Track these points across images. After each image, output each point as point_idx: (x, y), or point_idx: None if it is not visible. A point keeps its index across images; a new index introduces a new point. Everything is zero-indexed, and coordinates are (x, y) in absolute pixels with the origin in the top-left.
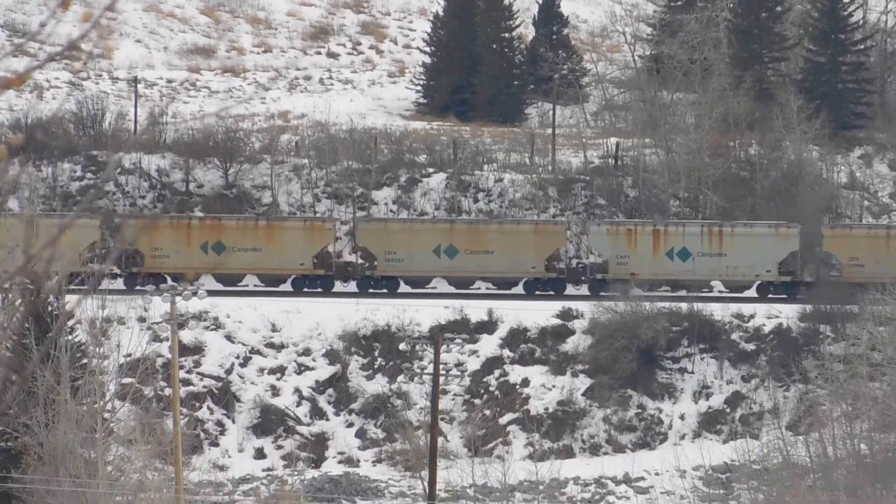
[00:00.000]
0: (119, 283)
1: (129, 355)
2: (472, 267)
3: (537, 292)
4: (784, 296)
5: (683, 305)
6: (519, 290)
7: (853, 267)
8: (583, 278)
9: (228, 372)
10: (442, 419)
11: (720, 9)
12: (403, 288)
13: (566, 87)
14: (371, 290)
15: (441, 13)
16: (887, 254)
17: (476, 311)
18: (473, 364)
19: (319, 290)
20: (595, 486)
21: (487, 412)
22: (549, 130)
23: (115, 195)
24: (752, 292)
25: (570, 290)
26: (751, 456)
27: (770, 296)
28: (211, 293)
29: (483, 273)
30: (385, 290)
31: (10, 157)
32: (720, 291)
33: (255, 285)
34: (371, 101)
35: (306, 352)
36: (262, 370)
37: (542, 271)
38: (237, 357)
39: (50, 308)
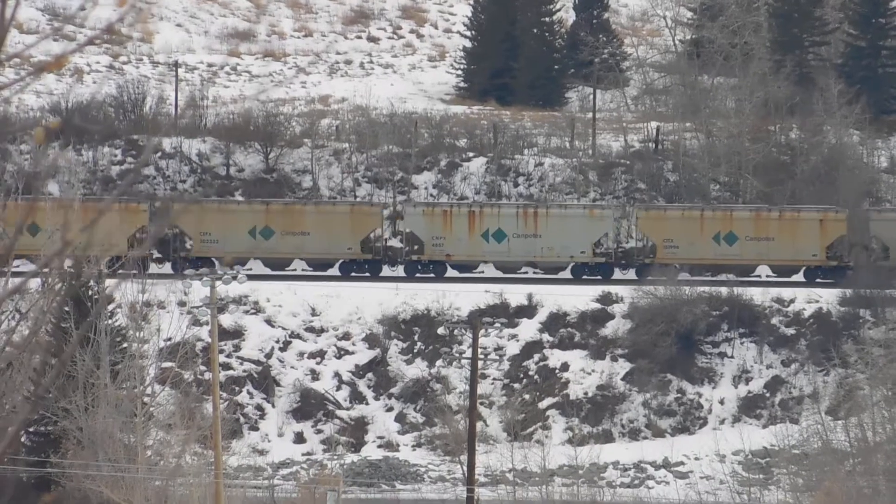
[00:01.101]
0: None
1: (169, 339)
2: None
3: (353, 273)
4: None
5: (724, 290)
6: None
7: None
8: (399, 260)
9: (268, 356)
10: (481, 403)
11: None
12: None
13: (606, 72)
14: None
15: None
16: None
17: (516, 295)
18: (513, 348)
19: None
20: (634, 470)
21: (527, 396)
22: (590, 115)
23: (155, 179)
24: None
25: (385, 271)
26: (790, 441)
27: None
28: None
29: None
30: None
31: (47, 141)
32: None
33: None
34: (411, 85)
35: (346, 336)
36: (301, 354)
37: (359, 252)
38: (277, 341)
39: (90, 292)
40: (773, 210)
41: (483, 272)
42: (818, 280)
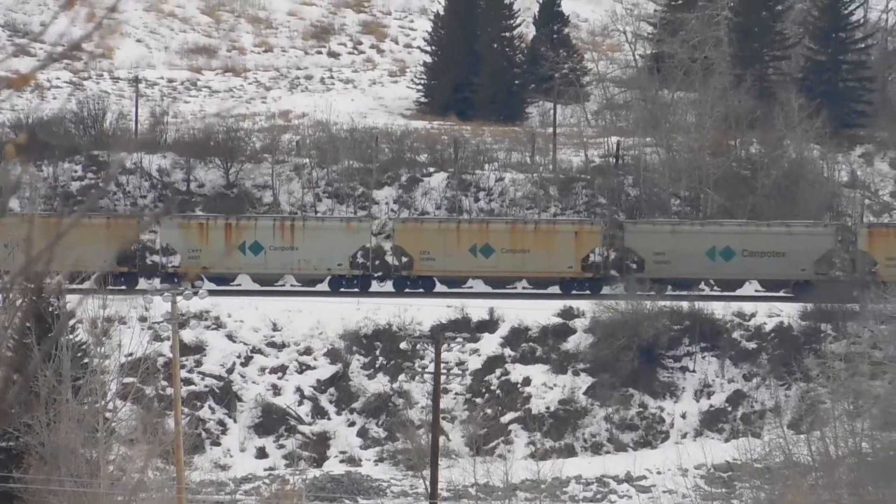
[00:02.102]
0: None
1: (131, 355)
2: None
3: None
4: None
5: (685, 304)
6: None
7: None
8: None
9: (230, 371)
10: (443, 418)
11: (721, 7)
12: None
13: (567, 86)
14: (408, 290)
15: (442, 12)
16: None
17: (477, 309)
18: (475, 363)
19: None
20: (597, 484)
21: (489, 411)
22: (550, 129)
23: (115, 195)
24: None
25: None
26: (752, 454)
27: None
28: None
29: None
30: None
31: (17, 157)
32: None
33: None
34: (372, 100)
35: (308, 351)
36: (263, 369)
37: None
38: (238, 356)
39: (51, 308)
40: (529, 223)
41: (241, 284)
42: (573, 292)
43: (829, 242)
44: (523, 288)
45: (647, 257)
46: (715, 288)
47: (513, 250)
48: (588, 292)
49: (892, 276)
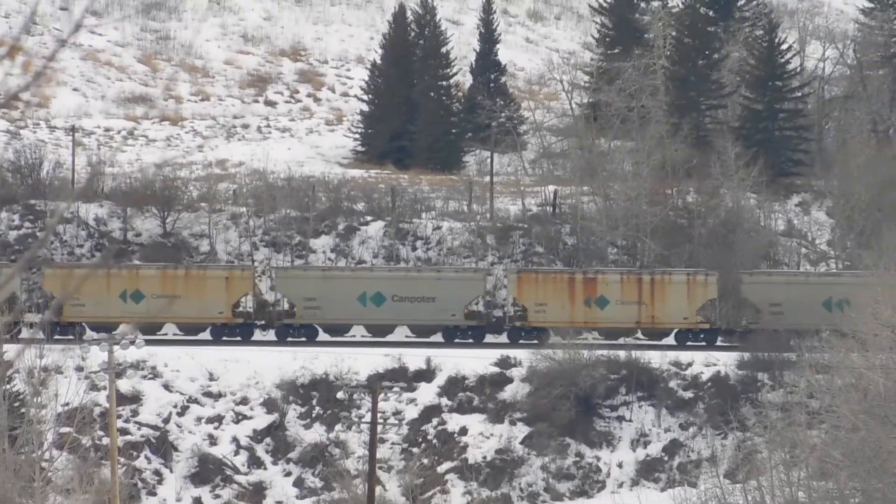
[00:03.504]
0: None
1: (67, 404)
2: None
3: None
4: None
5: (622, 353)
6: None
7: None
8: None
9: (166, 421)
10: (380, 468)
11: (657, 56)
12: (322, 336)
13: (504, 135)
14: (290, 339)
15: (378, 61)
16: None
17: (414, 359)
18: (411, 412)
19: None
20: None
21: (425, 461)
22: (487, 178)
23: (53, 244)
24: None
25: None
26: None
27: None
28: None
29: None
30: (304, 339)
31: None
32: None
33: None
34: (309, 148)
35: (244, 401)
36: (199, 419)
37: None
38: (175, 406)
39: None
40: (180, 268)
41: (354, 336)
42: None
43: (479, 288)
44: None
45: (298, 302)
46: (365, 334)
47: (164, 295)
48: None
49: (539, 320)
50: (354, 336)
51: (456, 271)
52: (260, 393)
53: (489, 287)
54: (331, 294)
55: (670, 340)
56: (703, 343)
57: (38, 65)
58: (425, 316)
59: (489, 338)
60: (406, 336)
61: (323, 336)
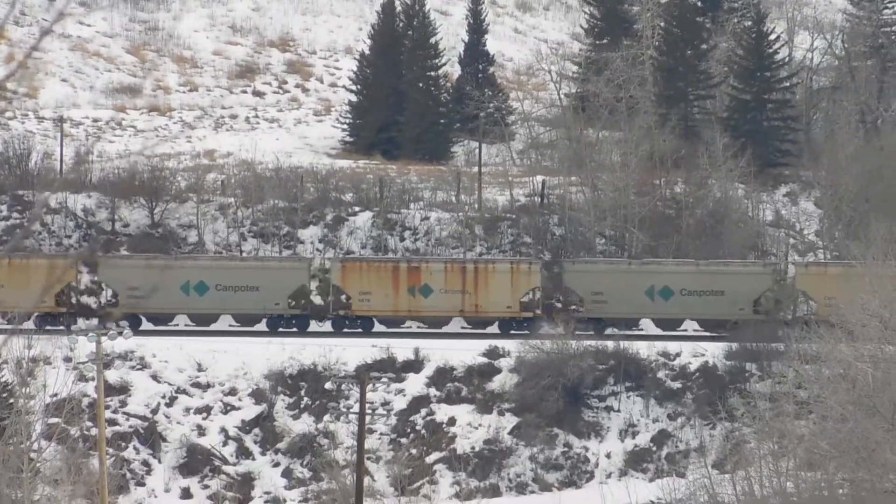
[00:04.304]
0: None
1: (56, 395)
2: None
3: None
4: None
5: (610, 344)
6: None
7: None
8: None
9: (154, 412)
10: (368, 458)
11: (645, 47)
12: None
13: (492, 126)
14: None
15: (367, 52)
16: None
17: (403, 350)
18: (400, 403)
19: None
20: None
21: (414, 451)
22: (476, 169)
23: (41, 235)
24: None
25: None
26: (677, 494)
27: None
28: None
29: None
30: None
31: None
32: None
33: (231, 325)
34: (297, 139)
35: (232, 391)
36: (188, 410)
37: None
38: (163, 397)
39: None
40: (3, 258)
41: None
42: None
43: (303, 277)
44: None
45: (122, 291)
46: (189, 323)
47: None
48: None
49: (363, 309)
50: (178, 325)
51: (279, 261)
52: (248, 383)
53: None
54: (153, 283)
55: (494, 329)
56: (527, 332)
57: (22, 54)
58: (249, 305)
59: (313, 326)
60: (230, 325)
61: (146, 325)
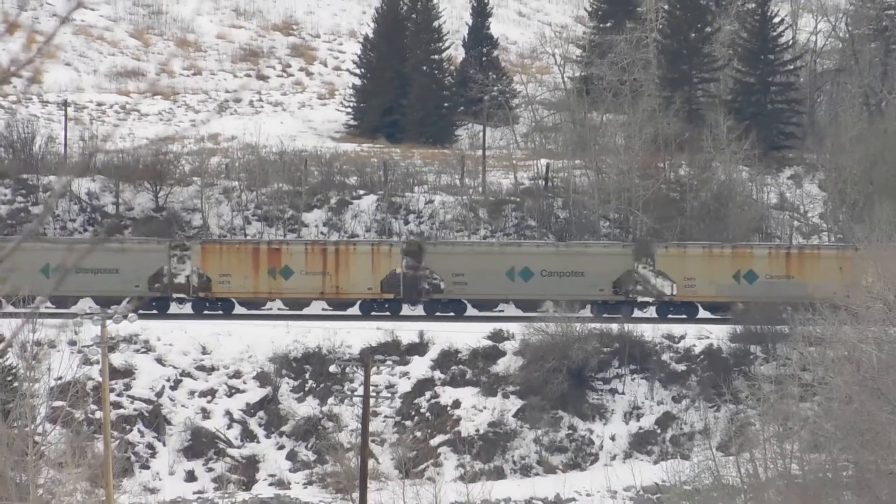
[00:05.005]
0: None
1: (60, 378)
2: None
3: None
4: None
5: (614, 326)
6: None
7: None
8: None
9: (159, 395)
10: (373, 441)
11: (649, 30)
12: (470, 311)
13: (496, 109)
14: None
15: (371, 35)
16: None
17: (407, 332)
18: (404, 386)
19: (388, 313)
20: None
21: (418, 434)
22: (480, 152)
23: (45, 219)
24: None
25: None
26: (682, 476)
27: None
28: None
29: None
30: (453, 314)
31: None
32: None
33: (324, 309)
34: (301, 123)
35: (237, 374)
36: (192, 393)
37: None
38: (168, 380)
39: None
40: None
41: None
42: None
43: (163, 259)
44: None
45: None
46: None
47: None
48: None
49: (223, 291)
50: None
51: (139, 243)
52: (253, 366)
53: (175, 260)
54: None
55: (356, 311)
56: (388, 314)
57: (37, 41)
58: (109, 287)
59: (174, 308)
60: (89, 307)
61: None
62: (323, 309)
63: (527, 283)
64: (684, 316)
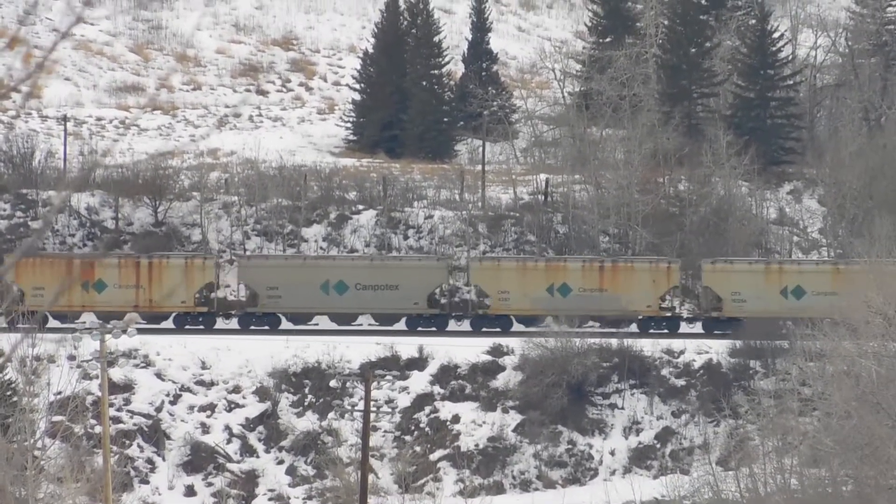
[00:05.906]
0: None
1: (59, 393)
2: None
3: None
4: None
5: (614, 341)
6: None
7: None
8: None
9: (158, 409)
10: (372, 456)
11: (649, 45)
12: (285, 324)
13: (496, 124)
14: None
15: (370, 50)
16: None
17: (407, 347)
18: (404, 401)
19: (201, 327)
20: None
21: (418, 448)
22: (479, 167)
23: (44, 233)
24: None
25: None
26: (681, 491)
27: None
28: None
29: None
30: (266, 327)
31: None
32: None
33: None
34: (300, 138)
35: (236, 389)
36: (192, 407)
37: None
38: (167, 394)
39: None
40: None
41: (318, 324)
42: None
43: None
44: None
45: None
46: None
47: None
48: None
49: (35, 304)
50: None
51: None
52: (252, 381)
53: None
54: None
55: (169, 324)
56: (202, 326)
57: (37, 56)
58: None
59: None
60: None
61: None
62: (136, 323)
63: (341, 296)
64: (498, 329)
